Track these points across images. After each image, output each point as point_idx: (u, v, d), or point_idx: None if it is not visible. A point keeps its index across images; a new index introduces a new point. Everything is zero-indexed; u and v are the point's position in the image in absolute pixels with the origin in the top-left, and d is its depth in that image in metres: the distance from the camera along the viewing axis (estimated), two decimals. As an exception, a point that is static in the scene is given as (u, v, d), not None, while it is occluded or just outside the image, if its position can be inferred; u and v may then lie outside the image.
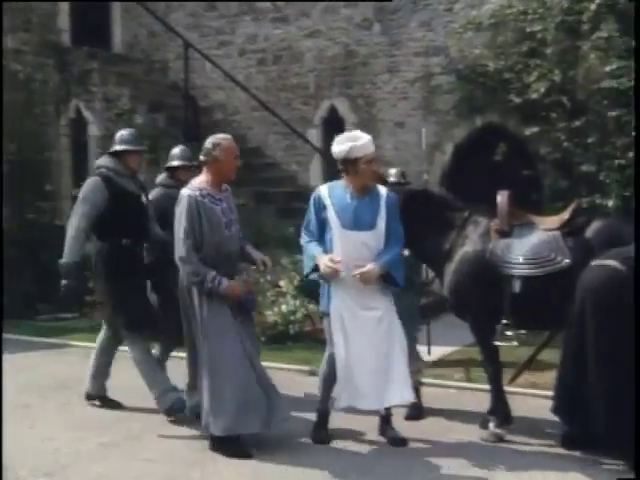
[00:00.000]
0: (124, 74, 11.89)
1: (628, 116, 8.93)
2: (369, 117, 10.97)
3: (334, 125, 11.83)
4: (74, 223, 5.90)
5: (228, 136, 5.46)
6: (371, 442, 5.44)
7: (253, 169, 10.81)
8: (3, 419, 5.35)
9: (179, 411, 5.80)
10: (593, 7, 9.28)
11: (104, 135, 11.34)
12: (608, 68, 9.10)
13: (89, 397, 6.28)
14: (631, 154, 8.83)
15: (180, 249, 5.18)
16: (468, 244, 5.51)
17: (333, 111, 11.96)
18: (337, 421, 5.56)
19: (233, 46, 12.57)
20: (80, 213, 5.91)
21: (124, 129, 6.40)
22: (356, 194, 5.26)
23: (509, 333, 5.35)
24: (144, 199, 6.18)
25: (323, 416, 5.49)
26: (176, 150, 6.57)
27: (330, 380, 5.34)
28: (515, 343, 5.33)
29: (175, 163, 6.47)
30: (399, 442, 5.37)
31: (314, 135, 11.91)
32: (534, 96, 9.75)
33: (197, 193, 5.19)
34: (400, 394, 5.24)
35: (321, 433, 5.46)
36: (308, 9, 11.99)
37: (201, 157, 5.32)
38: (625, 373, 4.75)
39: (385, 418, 5.45)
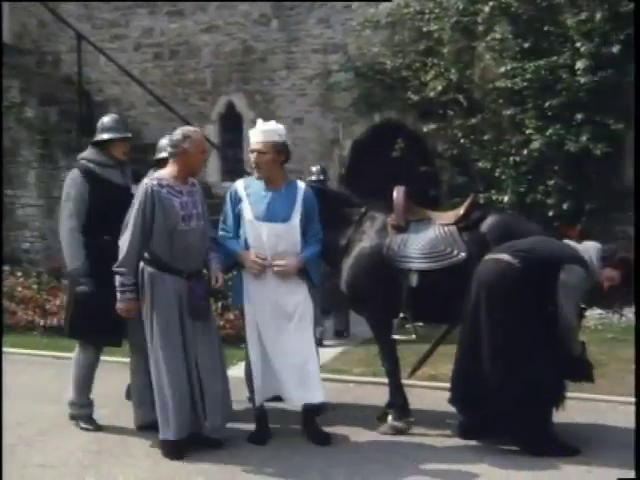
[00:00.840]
0: (14, 65, 11.46)
1: (522, 114, 9.18)
2: (267, 113, 10.88)
3: (232, 121, 11.78)
4: (64, 228, 5.46)
5: (197, 129, 5.37)
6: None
7: (149, 165, 10.55)
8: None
9: (81, 423, 5.61)
10: (487, 9, 9.52)
11: (-9, 128, 10.94)
12: (503, 69, 9.34)
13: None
14: (525, 151, 9.09)
15: (124, 237, 5.04)
16: (365, 239, 5.52)
17: (230, 107, 11.89)
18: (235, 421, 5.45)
19: (128, 40, 12.32)
20: (67, 214, 5.46)
21: (106, 115, 5.89)
22: (271, 186, 5.21)
23: (408, 326, 5.39)
24: (134, 191, 5.56)
25: (260, 417, 5.31)
26: (164, 141, 5.81)
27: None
28: (413, 337, 5.37)
29: (164, 154, 5.77)
30: (323, 438, 5.25)
31: (211, 131, 11.80)
32: (431, 94, 9.92)
33: (155, 182, 5.09)
34: (317, 394, 5.17)
35: (260, 434, 5.27)
36: (205, 4, 11.86)
37: (169, 148, 5.20)
38: (518, 365, 4.85)
39: (310, 413, 5.29)
